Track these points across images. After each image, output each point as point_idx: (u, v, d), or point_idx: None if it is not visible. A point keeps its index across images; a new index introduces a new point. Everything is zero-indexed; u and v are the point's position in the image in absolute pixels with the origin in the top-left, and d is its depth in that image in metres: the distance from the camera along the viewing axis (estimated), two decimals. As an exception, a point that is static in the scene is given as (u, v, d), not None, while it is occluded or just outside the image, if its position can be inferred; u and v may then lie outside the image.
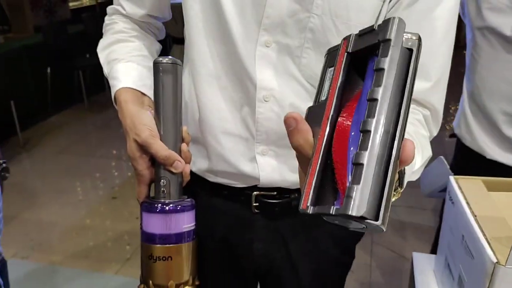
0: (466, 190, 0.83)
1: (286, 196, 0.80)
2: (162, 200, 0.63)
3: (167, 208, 0.62)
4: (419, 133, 0.68)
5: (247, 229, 0.83)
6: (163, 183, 0.63)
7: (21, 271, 2.28)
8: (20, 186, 3.18)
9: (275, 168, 0.77)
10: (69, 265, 2.38)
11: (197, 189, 0.84)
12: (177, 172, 0.63)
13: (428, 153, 0.67)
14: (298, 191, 0.80)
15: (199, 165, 0.83)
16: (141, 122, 0.64)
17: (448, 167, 1.27)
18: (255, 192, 0.80)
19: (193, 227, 0.65)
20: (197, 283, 0.66)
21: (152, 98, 0.67)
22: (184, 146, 0.65)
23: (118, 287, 2.21)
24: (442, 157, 1.29)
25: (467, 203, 0.79)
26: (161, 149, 0.62)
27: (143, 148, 0.63)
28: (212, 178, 0.83)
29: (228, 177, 0.81)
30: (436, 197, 1.42)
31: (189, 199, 0.65)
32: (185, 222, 0.63)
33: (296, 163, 0.43)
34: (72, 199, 3.02)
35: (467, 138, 1.33)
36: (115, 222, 2.79)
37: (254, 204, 0.81)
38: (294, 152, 0.42)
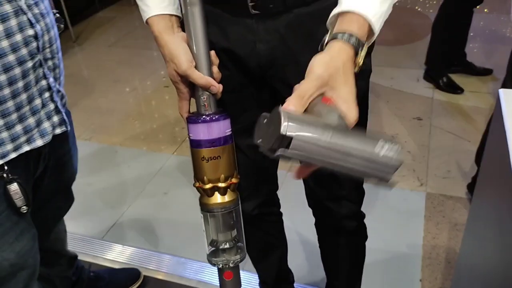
0: None
1: None
2: (207, 113, 0.77)
3: (213, 118, 0.76)
4: None
5: (249, 33, 0.83)
6: (204, 99, 0.77)
7: (86, 151, 2.40)
8: (76, 77, 3.27)
9: None
10: (128, 146, 2.49)
11: None
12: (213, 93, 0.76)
13: None
14: None
15: None
16: (179, 54, 0.75)
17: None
18: None
19: (231, 132, 0.79)
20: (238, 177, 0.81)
21: (179, 15, 0.79)
22: (215, 68, 0.78)
23: (175, 165, 2.30)
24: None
25: None
26: (199, 78, 0.75)
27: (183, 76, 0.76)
28: None
29: None
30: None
31: (225, 110, 0.79)
32: (226, 127, 0.78)
33: None
34: (127, 88, 3.08)
35: None
36: (170, 108, 2.85)
37: (250, 4, 0.79)
38: None
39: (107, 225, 1.94)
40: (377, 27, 0.63)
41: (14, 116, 0.84)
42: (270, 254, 1.35)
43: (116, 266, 1.70)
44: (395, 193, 1.97)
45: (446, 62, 2.79)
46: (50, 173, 1.07)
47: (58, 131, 0.96)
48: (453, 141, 2.32)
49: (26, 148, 0.89)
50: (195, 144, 0.77)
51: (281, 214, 1.29)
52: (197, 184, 0.81)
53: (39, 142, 0.91)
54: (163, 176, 2.23)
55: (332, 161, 0.51)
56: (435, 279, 1.61)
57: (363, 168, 0.51)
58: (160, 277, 1.67)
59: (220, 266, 0.84)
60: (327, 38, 0.63)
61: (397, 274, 1.62)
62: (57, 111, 0.95)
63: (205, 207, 0.81)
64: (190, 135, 0.78)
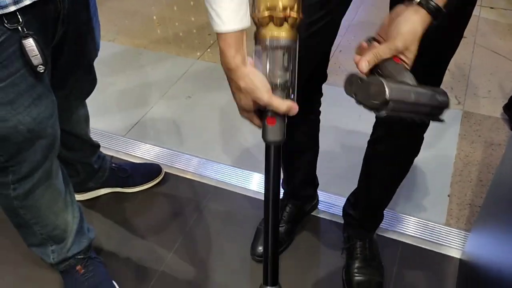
0: None
1: None
2: None
3: None
4: None
5: None
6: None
7: (108, 51, 2.33)
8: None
9: None
10: (153, 50, 2.40)
11: None
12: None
13: None
14: None
15: None
16: (260, 86, 0.69)
17: None
18: None
19: None
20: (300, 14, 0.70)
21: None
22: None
23: (200, 70, 2.22)
24: None
25: None
26: (280, 105, 0.70)
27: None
28: None
29: None
30: None
31: None
32: None
33: None
34: (151, -9, 2.94)
35: None
36: (195, 14, 2.72)
37: None
38: None
39: (129, 123, 1.91)
40: None
41: None
42: (302, 155, 1.30)
43: (138, 162, 1.69)
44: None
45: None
46: (70, 41, 1.00)
47: None
48: (496, 61, 2.16)
49: None
50: None
51: (319, 113, 1.22)
52: (253, 15, 0.71)
53: None
54: (187, 80, 2.16)
55: (414, 110, 0.69)
56: (465, 195, 1.55)
57: (429, 111, 0.70)
58: (181, 174, 1.66)
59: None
60: None
61: (425, 187, 1.57)
62: None
63: (258, 40, 0.71)
64: None
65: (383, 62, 0.70)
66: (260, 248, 1.36)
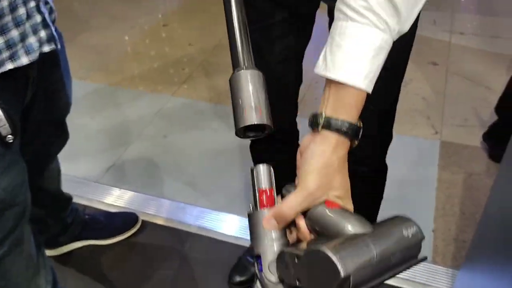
0: None
1: None
2: None
3: None
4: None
5: None
6: None
7: (81, 91, 2.27)
8: (69, 11, 3.07)
9: None
10: (127, 87, 2.35)
11: None
12: None
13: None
14: None
15: None
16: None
17: None
18: None
19: None
20: None
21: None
22: None
23: (175, 106, 2.18)
24: None
25: None
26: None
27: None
28: None
29: None
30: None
31: None
32: None
33: None
34: (124, 26, 2.89)
35: None
36: (168, 47, 2.69)
37: None
38: None
39: (103, 167, 1.85)
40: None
41: None
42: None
43: (113, 210, 1.62)
44: (409, 141, 1.86)
45: None
46: (40, 101, 0.95)
47: (46, 48, 0.82)
48: (470, 88, 2.18)
49: (10, 66, 0.76)
50: None
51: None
52: None
53: (24, 60, 0.78)
54: (162, 118, 2.11)
55: (384, 267, 0.48)
56: (449, 230, 1.53)
57: (403, 257, 0.50)
58: (159, 222, 1.60)
59: None
60: (321, 121, 0.53)
61: (408, 224, 1.55)
62: (44, 24, 0.81)
63: None
64: None
65: (312, 212, 0.52)
66: (237, 277, 1.34)
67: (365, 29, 0.51)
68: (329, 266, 0.44)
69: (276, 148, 1.13)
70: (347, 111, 0.53)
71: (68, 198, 1.39)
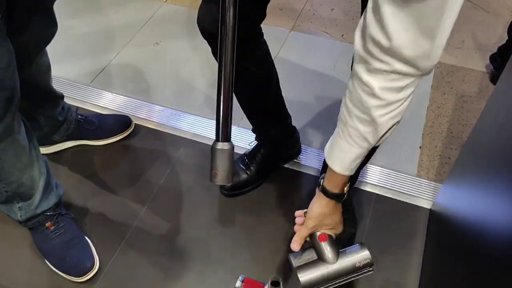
0: None
1: None
2: None
3: None
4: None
5: None
6: None
7: None
8: None
9: None
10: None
11: None
12: None
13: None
14: None
15: None
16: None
17: None
18: None
19: None
20: None
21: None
22: None
23: (168, 13, 2.09)
24: None
25: None
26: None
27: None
28: None
29: None
30: None
31: None
32: None
33: None
34: None
35: None
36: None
37: None
38: None
39: (94, 71, 1.80)
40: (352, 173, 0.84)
41: None
42: (263, 90, 1.24)
43: (105, 113, 1.61)
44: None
45: None
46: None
47: None
48: (470, 10, 2.14)
49: None
50: None
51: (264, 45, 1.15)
52: None
53: None
54: (154, 25, 2.04)
55: (337, 283, 0.90)
56: (435, 147, 1.58)
57: (356, 275, 0.90)
58: (152, 126, 1.60)
59: None
60: (320, 187, 0.87)
61: (397, 139, 1.58)
62: None
63: None
64: None
65: (311, 237, 0.90)
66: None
67: (353, 148, 0.78)
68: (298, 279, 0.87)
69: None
70: (335, 186, 0.85)
71: (60, 96, 1.37)
